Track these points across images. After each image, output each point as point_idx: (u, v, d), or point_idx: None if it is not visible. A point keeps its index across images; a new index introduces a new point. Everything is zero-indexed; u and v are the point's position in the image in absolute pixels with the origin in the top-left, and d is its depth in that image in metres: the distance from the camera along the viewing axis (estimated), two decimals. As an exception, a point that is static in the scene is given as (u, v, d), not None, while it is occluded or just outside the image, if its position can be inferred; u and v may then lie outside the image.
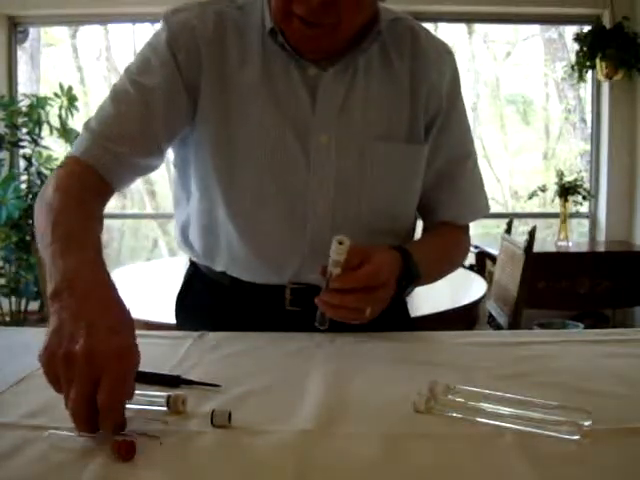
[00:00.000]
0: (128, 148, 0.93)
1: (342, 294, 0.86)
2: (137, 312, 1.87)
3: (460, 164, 1.09)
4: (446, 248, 1.12)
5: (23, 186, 3.51)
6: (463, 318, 2.05)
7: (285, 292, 1.02)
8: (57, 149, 3.67)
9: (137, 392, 0.71)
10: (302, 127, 0.98)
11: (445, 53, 1.07)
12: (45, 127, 3.54)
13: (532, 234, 2.31)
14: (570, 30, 4.04)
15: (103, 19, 4.06)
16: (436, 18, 4.01)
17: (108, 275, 0.71)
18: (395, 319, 1.15)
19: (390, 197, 1.03)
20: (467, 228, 1.16)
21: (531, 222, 3.73)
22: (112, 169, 0.93)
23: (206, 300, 1.12)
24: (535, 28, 4.43)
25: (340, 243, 0.83)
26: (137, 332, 0.65)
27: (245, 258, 1.03)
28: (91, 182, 0.91)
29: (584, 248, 3.83)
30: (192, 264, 1.15)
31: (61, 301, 0.65)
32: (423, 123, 1.04)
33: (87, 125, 0.96)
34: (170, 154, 1.06)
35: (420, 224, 1.16)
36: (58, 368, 0.60)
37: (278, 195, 0.99)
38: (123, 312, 0.66)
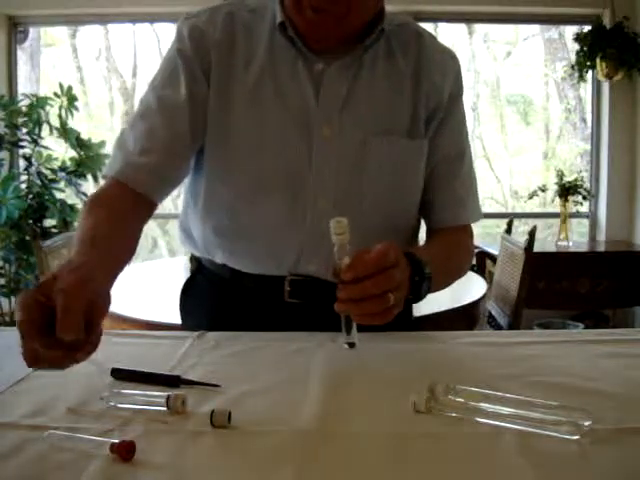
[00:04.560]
0: (157, 158, 0.98)
1: (359, 283, 0.78)
2: (137, 312, 1.89)
3: (453, 165, 1.10)
4: (448, 248, 1.10)
5: (23, 186, 3.50)
6: (463, 318, 2.05)
7: (284, 284, 1.03)
8: (57, 149, 3.67)
9: (137, 392, 0.71)
10: (305, 119, 1.00)
11: (449, 58, 1.10)
12: (45, 127, 3.53)
13: (532, 234, 2.31)
14: (570, 30, 4.03)
15: (103, 19, 4.06)
16: (436, 18, 4.01)
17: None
18: (398, 319, 1.16)
19: (391, 191, 1.04)
20: (468, 229, 1.15)
21: (531, 222, 3.73)
22: (147, 183, 0.98)
23: (208, 294, 1.13)
24: (535, 28, 4.42)
25: (338, 222, 0.79)
26: (137, 332, 0.65)
27: (245, 247, 1.04)
28: (129, 203, 0.97)
29: (584, 248, 3.82)
30: (196, 260, 1.18)
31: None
32: (424, 120, 1.05)
33: (119, 143, 1.01)
34: None
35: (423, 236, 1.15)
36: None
37: (279, 185, 1.00)
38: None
